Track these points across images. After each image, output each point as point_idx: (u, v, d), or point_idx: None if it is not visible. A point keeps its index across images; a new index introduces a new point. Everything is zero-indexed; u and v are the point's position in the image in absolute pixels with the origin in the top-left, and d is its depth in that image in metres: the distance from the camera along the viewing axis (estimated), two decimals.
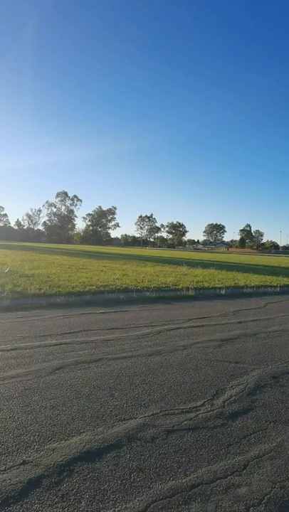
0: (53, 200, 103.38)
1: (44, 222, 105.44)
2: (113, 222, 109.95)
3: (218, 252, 67.04)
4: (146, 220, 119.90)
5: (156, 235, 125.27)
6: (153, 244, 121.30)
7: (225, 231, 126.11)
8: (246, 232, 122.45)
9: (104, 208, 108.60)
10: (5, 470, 1.70)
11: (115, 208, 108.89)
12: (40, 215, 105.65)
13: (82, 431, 2.09)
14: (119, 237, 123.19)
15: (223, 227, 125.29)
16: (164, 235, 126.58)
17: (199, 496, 1.62)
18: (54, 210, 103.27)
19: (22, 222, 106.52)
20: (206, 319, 5.33)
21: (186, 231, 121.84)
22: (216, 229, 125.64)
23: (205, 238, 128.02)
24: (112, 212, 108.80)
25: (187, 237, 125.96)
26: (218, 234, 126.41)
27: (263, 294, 8.77)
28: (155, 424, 2.22)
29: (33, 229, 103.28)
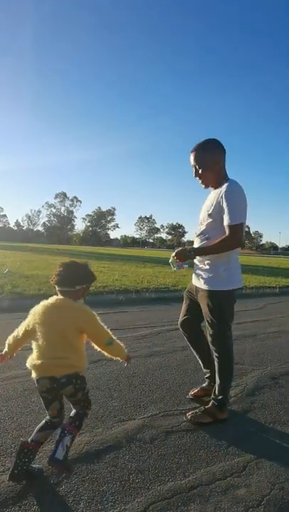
0: (52, 200, 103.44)
1: (43, 223, 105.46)
2: (112, 223, 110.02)
3: None
4: (146, 220, 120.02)
5: (155, 235, 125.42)
6: (152, 245, 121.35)
7: None
8: (245, 233, 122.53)
9: (104, 209, 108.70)
10: (3, 471, 1.70)
11: (114, 209, 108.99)
12: (40, 216, 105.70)
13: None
14: (119, 237, 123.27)
15: None
16: (164, 235, 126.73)
17: (198, 498, 1.62)
18: (54, 211, 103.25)
19: (21, 223, 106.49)
20: None
21: (185, 232, 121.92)
22: None
23: None
24: (111, 213, 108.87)
25: (186, 238, 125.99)
26: None
27: (262, 295, 8.78)
28: (154, 425, 2.21)
29: (33, 230, 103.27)
